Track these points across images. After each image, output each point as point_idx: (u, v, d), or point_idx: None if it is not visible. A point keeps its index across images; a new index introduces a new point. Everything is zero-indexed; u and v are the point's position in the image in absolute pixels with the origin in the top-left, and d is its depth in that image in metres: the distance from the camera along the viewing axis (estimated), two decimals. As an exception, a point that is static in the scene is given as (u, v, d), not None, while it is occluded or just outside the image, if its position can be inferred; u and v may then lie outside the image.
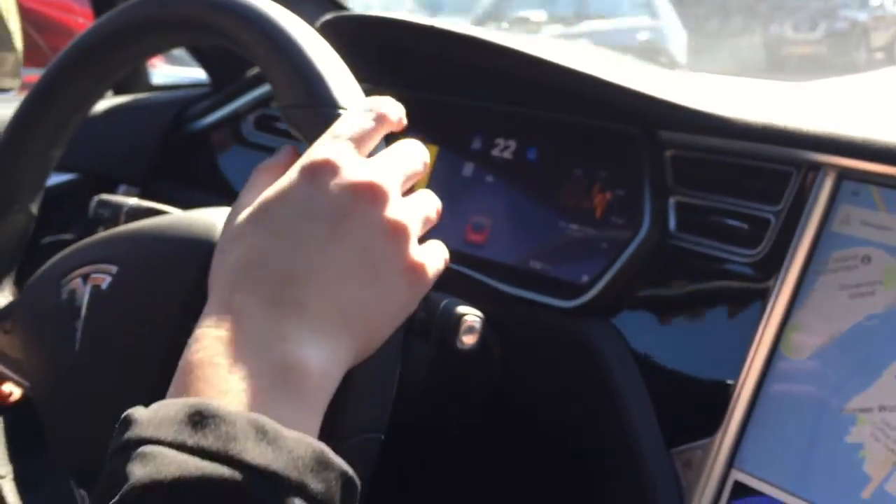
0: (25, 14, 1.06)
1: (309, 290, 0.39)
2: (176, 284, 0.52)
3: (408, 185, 0.45)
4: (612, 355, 0.67)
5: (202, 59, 1.14)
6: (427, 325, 0.61)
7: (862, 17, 9.33)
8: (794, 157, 0.60)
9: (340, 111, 0.46)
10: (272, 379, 0.36)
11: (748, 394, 0.58)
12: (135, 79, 1.20)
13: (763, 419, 0.58)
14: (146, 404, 0.52)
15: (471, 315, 0.61)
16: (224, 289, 0.40)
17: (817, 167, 0.59)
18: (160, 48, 0.60)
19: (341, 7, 1.08)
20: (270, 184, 0.43)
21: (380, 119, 0.45)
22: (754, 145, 0.62)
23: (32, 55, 1.08)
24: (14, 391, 0.69)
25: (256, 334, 0.38)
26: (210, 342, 0.37)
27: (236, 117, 1.05)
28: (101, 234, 0.59)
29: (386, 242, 0.41)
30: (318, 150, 0.42)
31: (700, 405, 0.61)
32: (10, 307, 0.62)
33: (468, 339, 0.59)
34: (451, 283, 0.79)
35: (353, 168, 0.41)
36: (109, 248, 0.56)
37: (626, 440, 0.63)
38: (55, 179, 1.07)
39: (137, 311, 0.53)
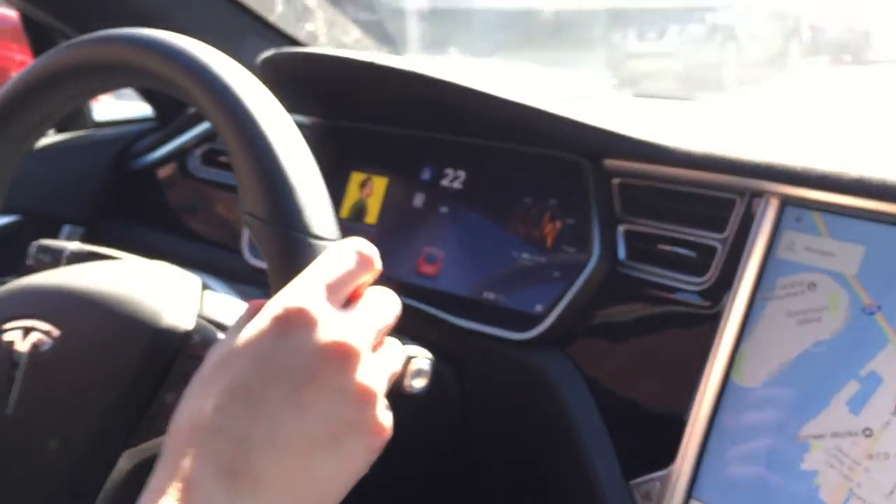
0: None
1: (266, 461, 0.37)
2: (114, 371, 0.51)
3: (378, 340, 0.43)
4: (567, 387, 0.66)
5: (147, 93, 1.12)
6: None
7: (729, 19, 5.79)
8: (736, 184, 0.61)
9: (311, 240, 0.43)
10: None
11: (702, 423, 0.58)
12: (77, 116, 1.17)
13: (718, 448, 0.58)
14: (82, 472, 0.50)
15: (419, 357, 0.60)
16: (178, 451, 0.38)
17: (760, 194, 0.60)
18: (111, 88, 0.59)
19: (288, 38, 1.07)
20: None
21: (361, 265, 0.43)
22: (698, 173, 0.63)
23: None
24: None
25: None
26: None
27: (182, 152, 1.03)
28: (49, 278, 0.57)
29: (352, 409, 0.39)
30: (292, 297, 0.40)
31: (656, 435, 0.61)
32: None
33: (417, 383, 0.58)
34: (403, 317, 0.78)
35: (326, 324, 0.39)
36: (55, 306, 0.54)
37: (585, 472, 0.63)
38: (-4, 222, 1.05)
39: (73, 389, 0.52)
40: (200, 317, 0.53)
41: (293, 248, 0.43)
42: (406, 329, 0.68)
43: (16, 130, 0.59)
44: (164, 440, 0.39)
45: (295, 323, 0.39)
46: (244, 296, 0.62)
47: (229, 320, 0.53)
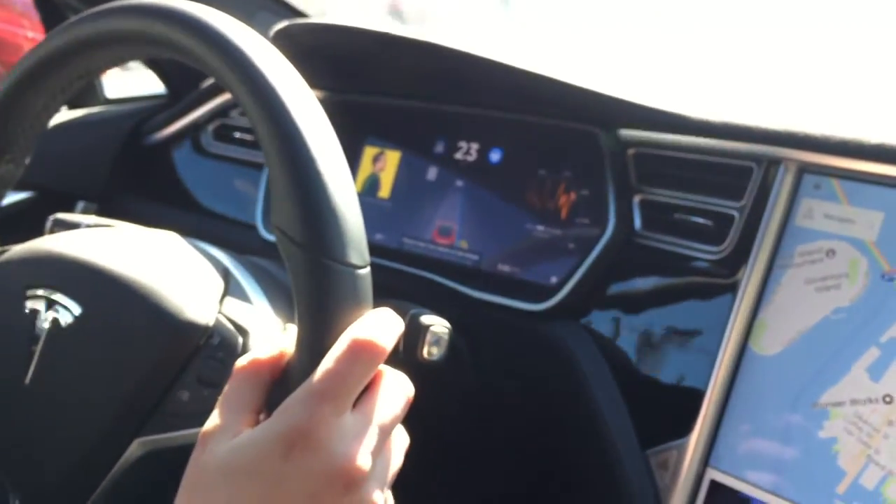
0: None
1: None
2: (132, 359, 0.51)
3: (387, 439, 0.42)
4: (584, 357, 0.66)
5: (159, 69, 1.11)
6: None
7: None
8: (754, 152, 0.60)
9: (341, 267, 0.41)
10: None
11: (720, 392, 0.58)
12: (89, 92, 1.17)
13: (736, 417, 0.58)
14: (91, 454, 0.50)
15: (437, 326, 0.60)
16: None
17: (778, 162, 0.59)
18: (128, 59, 0.59)
19: (298, 13, 1.06)
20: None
21: (371, 360, 0.41)
22: (714, 141, 0.62)
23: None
24: None
25: None
26: None
27: (195, 128, 1.03)
28: (75, 248, 0.57)
29: None
30: (297, 415, 0.39)
31: (673, 404, 0.61)
32: None
33: (434, 350, 0.58)
34: (418, 288, 0.78)
35: (333, 446, 0.39)
36: (79, 281, 0.54)
37: (601, 442, 0.63)
38: (10, 198, 1.05)
39: (90, 369, 0.52)
40: (221, 314, 0.53)
41: (323, 275, 0.41)
42: (420, 301, 0.68)
43: (34, 101, 0.59)
44: None
45: (301, 446, 0.38)
46: (258, 271, 0.62)
47: (248, 322, 0.53)
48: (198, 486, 0.40)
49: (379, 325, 0.42)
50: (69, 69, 0.57)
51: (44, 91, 0.58)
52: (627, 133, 0.67)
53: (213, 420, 0.42)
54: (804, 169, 0.58)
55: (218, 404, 0.42)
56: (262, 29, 0.89)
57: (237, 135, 0.99)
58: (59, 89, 0.59)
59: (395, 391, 0.43)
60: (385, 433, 0.41)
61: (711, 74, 0.90)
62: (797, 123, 0.59)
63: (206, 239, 0.64)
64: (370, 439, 0.40)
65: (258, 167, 0.94)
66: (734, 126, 0.61)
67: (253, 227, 0.88)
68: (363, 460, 0.39)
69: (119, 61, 0.62)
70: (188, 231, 0.66)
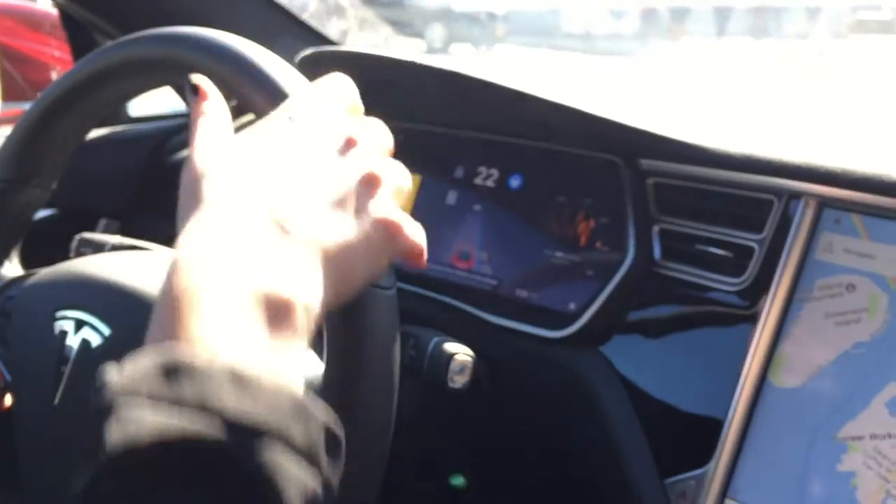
0: (1, 50, 1.05)
1: (296, 219, 0.38)
2: None
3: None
4: (602, 385, 0.67)
5: (181, 89, 1.13)
6: (418, 363, 0.61)
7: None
8: (774, 185, 0.61)
9: (373, 289, 0.45)
10: (258, 313, 0.35)
11: (739, 423, 0.59)
12: (112, 112, 1.19)
13: (755, 448, 0.58)
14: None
15: (461, 354, 0.61)
16: (220, 201, 0.37)
17: (798, 196, 0.60)
18: (157, 86, 0.61)
19: (319, 36, 1.08)
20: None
21: (341, 96, 0.46)
22: (735, 174, 0.63)
23: (9, 89, 1.08)
24: (7, 398, 0.68)
25: (243, 263, 0.35)
26: (193, 268, 0.35)
27: (217, 148, 1.04)
28: (102, 269, 0.58)
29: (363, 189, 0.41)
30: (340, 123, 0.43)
31: (691, 434, 0.61)
32: (15, 283, 0.62)
33: (459, 379, 0.59)
34: (436, 313, 0.79)
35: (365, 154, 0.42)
36: (107, 303, 0.56)
37: (620, 471, 0.63)
38: (34, 215, 1.06)
39: None
40: None
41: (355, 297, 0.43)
42: (438, 325, 0.69)
43: (63, 127, 0.61)
44: (194, 189, 0.39)
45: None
46: None
47: None
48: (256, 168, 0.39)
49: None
50: (98, 96, 0.59)
51: (72, 117, 0.60)
52: (648, 163, 0.68)
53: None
54: (824, 203, 0.59)
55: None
56: (284, 52, 0.91)
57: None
58: (88, 115, 0.61)
59: (377, 128, 0.46)
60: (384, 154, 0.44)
61: (733, 105, 0.91)
62: (818, 157, 0.59)
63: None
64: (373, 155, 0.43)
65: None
66: (755, 159, 0.61)
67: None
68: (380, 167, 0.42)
69: (147, 88, 0.64)
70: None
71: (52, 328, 0.56)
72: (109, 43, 0.58)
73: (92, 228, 1.08)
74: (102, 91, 0.59)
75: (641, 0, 8.53)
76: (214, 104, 0.44)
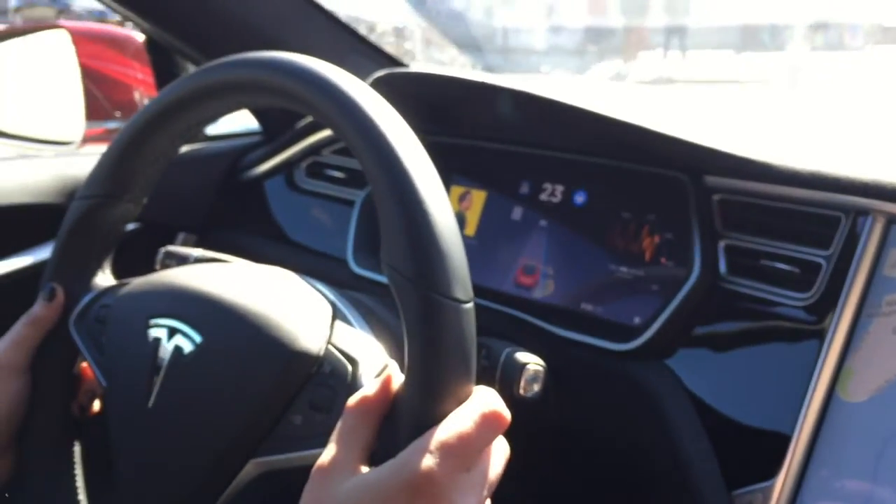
0: (86, 72, 1.11)
1: None
2: (248, 388, 0.54)
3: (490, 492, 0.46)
4: (668, 397, 0.68)
5: (254, 109, 1.18)
6: (490, 372, 0.63)
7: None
8: (842, 202, 0.61)
9: (450, 302, 0.45)
10: None
11: (807, 437, 0.59)
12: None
13: (822, 462, 0.59)
14: (209, 473, 0.54)
15: (533, 364, 0.63)
16: None
17: (866, 212, 0.60)
18: (243, 108, 0.64)
19: (385, 56, 1.11)
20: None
21: (492, 427, 0.45)
22: (802, 191, 0.63)
23: (93, 110, 1.13)
24: (96, 403, 0.72)
25: None
26: None
27: (289, 165, 1.08)
28: (195, 280, 0.61)
29: None
30: (427, 465, 0.42)
31: (759, 447, 0.62)
32: (109, 292, 0.65)
33: (533, 387, 0.60)
34: (503, 326, 0.81)
35: (454, 498, 0.42)
36: (200, 312, 0.59)
37: (687, 483, 0.64)
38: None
39: (208, 396, 0.56)
40: (330, 344, 0.56)
41: (432, 309, 0.46)
42: (505, 337, 0.71)
43: (156, 145, 0.64)
44: None
45: (426, 494, 0.41)
46: (359, 305, 0.65)
47: (357, 352, 0.55)
48: None
49: (499, 399, 0.46)
50: (189, 116, 0.62)
51: (164, 137, 0.63)
52: (713, 180, 0.69)
53: (329, 455, 0.45)
54: (892, 220, 0.59)
55: (333, 440, 0.46)
56: (353, 72, 0.95)
57: (329, 172, 1.04)
58: (178, 134, 0.64)
59: (502, 453, 0.47)
60: (491, 490, 0.45)
61: (801, 122, 0.91)
62: (886, 174, 0.60)
63: (296, 271, 0.68)
64: (483, 496, 0.44)
65: (349, 203, 0.98)
66: (822, 176, 0.62)
67: (342, 262, 0.92)
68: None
69: (233, 109, 0.67)
70: (279, 263, 0.70)
71: (146, 335, 0.59)
72: (199, 67, 0.61)
73: (171, 242, 1.13)
74: (192, 112, 0.62)
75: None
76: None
